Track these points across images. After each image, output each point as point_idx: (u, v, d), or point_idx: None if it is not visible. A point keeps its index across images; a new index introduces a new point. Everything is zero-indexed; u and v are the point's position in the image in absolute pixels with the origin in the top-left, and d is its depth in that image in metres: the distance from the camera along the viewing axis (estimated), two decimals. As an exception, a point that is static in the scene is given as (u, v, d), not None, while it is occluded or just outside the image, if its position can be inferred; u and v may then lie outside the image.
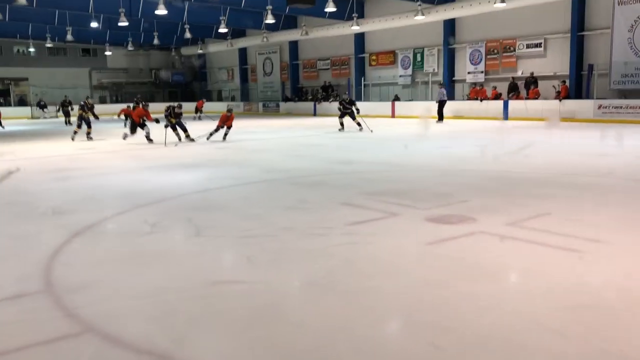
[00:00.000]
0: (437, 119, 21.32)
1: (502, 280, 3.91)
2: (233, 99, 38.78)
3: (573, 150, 11.42)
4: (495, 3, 19.45)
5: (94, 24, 26.85)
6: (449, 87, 25.79)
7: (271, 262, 4.33)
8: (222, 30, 28.54)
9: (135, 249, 4.81)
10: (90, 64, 40.24)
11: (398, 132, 17.35)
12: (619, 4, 19.99)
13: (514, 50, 23.43)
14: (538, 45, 22.71)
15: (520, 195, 6.66)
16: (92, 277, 4.06)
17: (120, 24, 23.85)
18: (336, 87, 31.31)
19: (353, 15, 24.95)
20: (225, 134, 14.91)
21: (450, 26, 25.38)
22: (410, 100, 27.26)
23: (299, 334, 3.08)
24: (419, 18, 22.42)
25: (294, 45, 34.01)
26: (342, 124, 17.71)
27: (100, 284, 3.90)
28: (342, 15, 26.59)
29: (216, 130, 14.80)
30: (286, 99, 34.11)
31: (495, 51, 24.09)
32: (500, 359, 2.74)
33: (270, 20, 24.54)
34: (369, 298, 3.55)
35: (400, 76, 28.17)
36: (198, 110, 28.56)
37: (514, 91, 22.66)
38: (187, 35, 29.72)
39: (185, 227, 5.50)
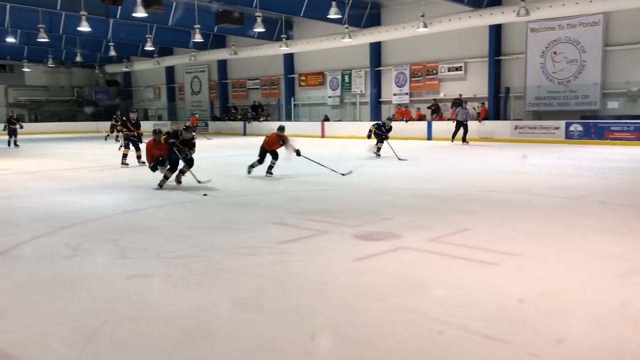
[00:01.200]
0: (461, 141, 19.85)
1: (425, 292, 4.05)
2: (160, 118, 38.05)
3: (492, 169, 12.01)
4: (418, 28, 20.24)
5: (10, 39, 25.63)
6: (376, 108, 26.52)
7: (199, 283, 4.28)
8: (149, 48, 28.02)
9: (56, 273, 4.62)
10: (6, 81, 38.28)
11: (331, 152, 17.59)
12: (531, 32, 21.34)
13: (437, 73, 24.43)
14: (459, 68, 23.79)
15: (443, 212, 6.93)
16: (8, 303, 3.86)
17: (39, 39, 22.90)
18: (266, 107, 31.40)
19: (282, 36, 25.22)
20: (271, 167, 10.83)
21: (376, 49, 26.16)
22: (339, 120, 27.76)
23: (228, 354, 3.07)
24: (347, 40, 22.97)
25: (223, 65, 33.88)
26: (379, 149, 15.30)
27: (16, 311, 3.71)
28: (271, 35, 26.83)
29: (260, 161, 10.94)
30: (215, 118, 33.84)
31: (419, 74, 25.02)
32: (423, 370, 2.85)
33: (198, 39, 24.33)
34: (298, 316, 3.58)
35: (330, 97, 28.66)
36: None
37: (436, 112, 23.66)
38: (112, 52, 28.94)
39: (109, 250, 5.33)
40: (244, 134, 29.96)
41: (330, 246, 5.33)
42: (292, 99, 29.85)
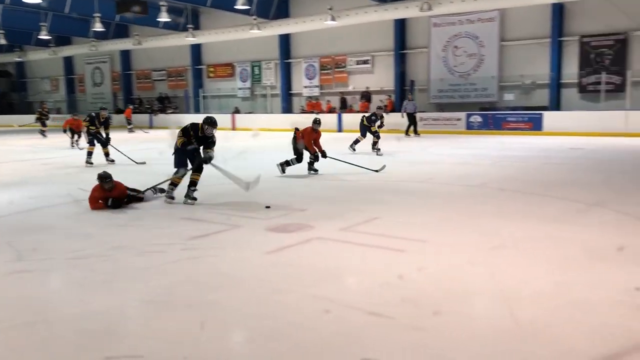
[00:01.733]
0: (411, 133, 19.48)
1: (337, 281, 4.11)
2: (58, 111, 35.90)
3: (398, 160, 12.38)
4: (326, 21, 20.44)
5: None
6: (287, 101, 26.57)
7: (104, 284, 4.09)
8: (44, 37, 26.31)
9: (-59, 280, 4.24)
10: None
11: (239, 145, 17.38)
12: (434, 26, 22.17)
13: (345, 66, 24.81)
14: (366, 62, 24.30)
15: (354, 202, 7.07)
16: None
17: None
18: (173, 99, 30.51)
19: (188, 26, 24.56)
20: (312, 162, 10.01)
21: (285, 41, 26.14)
22: (250, 112, 27.51)
23: (137, 355, 2.96)
24: (255, 32, 22.76)
25: (126, 55, 32.48)
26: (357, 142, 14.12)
27: None
28: (177, 25, 26.01)
29: (298, 159, 9.99)
30: (119, 111, 32.42)
31: (329, 67, 25.30)
32: (342, 355, 2.89)
33: (98, 28, 23.17)
34: (211, 311, 3.52)
35: (240, 89, 28.32)
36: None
37: (344, 106, 24.08)
38: (2, 41, 26.87)
39: (4, 252, 4.97)
40: (150, 126, 28.95)
41: (243, 240, 5.28)
42: (201, 90, 29.18)
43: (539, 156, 12.31)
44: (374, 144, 13.59)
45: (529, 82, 20.34)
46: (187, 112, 29.18)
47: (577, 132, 17.03)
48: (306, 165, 10.02)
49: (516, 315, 3.34)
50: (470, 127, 20.03)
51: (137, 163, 11.74)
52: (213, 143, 7.20)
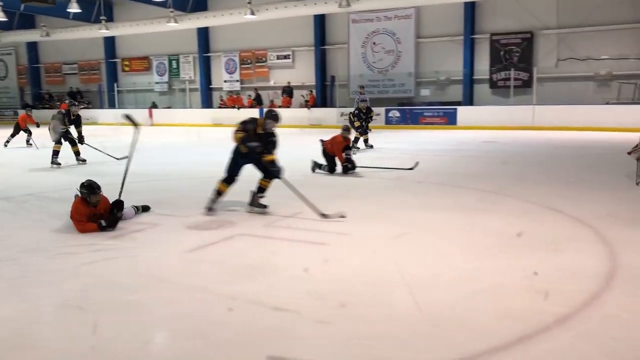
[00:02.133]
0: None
1: (260, 277, 4.09)
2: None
3: (319, 154, 12.45)
4: (245, 15, 20.24)
5: None
6: (207, 95, 26.12)
7: (13, 289, 3.85)
8: (-62, 26, 24.37)
9: None
10: None
11: (160, 141, 16.89)
12: (353, 22, 22.51)
13: (266, 60, 24.70)
14: (287, 57, 24.30)
15: (279, 196, 7.03)
16: None
17: None
18: (86, 94, 29.19)
19: (101, 18, 23.52)
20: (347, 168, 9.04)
21: (204, 34, 25.66)
22: (168, 107, 26.81)
23: (48, 363, 2.81)
24: (172, 25, 22.16)
25: (33, 47, 30.70)
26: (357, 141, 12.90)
27: None
28: (88, 17, 24.86)
29: (331, 169, 9.20)
30: (26, 106, 30.53)
31: (249, 61, 25.08)
32: (257, 351, 2.87)
33: (1, 17, 21.72)
34: (128, 313, 3.40)
35: (157, 83, 27.52)
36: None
37: (259, 101, 23.90)
38: None
39: None
40: (62, 123, 27.53)
41: (161, 239, 5.14)
42: (115, 84, 28.08)
43: (455, 149, 12.82)
44: (356, 140, 12.77)
45: (443, 78, 21.11)
46: (101, 107, 28.03)
47: (489, 126, 17.89)
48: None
49: (430, 303, 3.47)
50: (389, 122, 20.53)
51: (117, 159, 10.74)
52: (273, 144, 6.13)
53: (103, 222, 5.29)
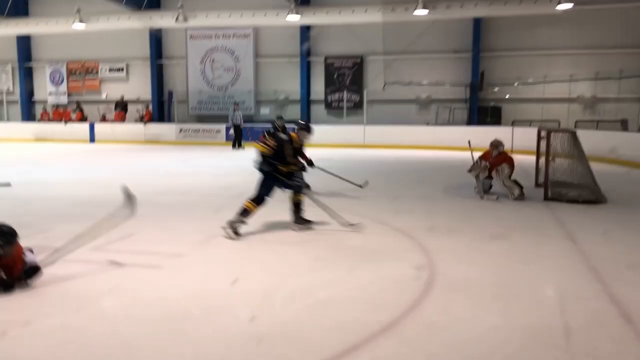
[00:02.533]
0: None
1: (86, 306, 3.81)
2: None
3: (159, 172, 12.06)
4: (73, 24, 18.93)
5: None
6: (28, 108, 23.91)
7: None
8: None
9: None
10: None
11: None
12: (190, 38, 22.19)
13: (98, 72, 23.31)
14: (121, 69, 23.17)
15: (83, 217, 6.63)
16: None
17: None
18: None
19: None
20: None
21: (25, 43, 23.51)
22: (-20, 121, 24.03)
23: None
24: (-15, 30, 20.00)
25: None
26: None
27: None
28: None
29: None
30: None
31: (78, 72, 23.47)
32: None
33: None
34: None
35: (-34, 93, 24.52)
36: None
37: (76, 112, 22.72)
38: None
39: None
40: None
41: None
42: None
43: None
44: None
45: (282, 97, 21.66)
46: None
47: (325, 144, 18.67)
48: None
49: (264, 320, 3.51)
50: (229, 138, 20.46)
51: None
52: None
53: (24, 274, 4.11)
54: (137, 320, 3.50)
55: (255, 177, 6.26)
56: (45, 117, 23.03)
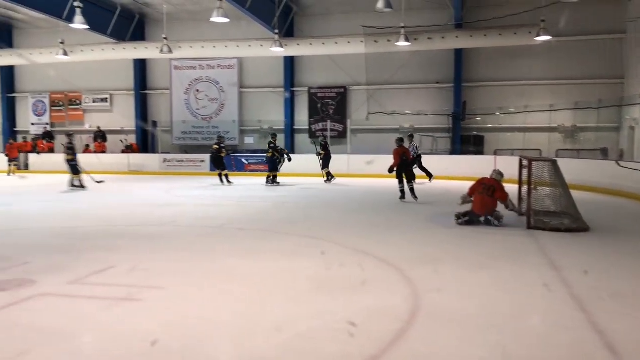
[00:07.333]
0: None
1: (64, 342, 3.70)
2: None
3: (140, 202, 11.94)
4: (57, 55, 18.94)
5: None
6: (9, 138, 23.69)
7: None
8: None
9: None
10: None
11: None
12: (175, 69, 22.31)
13: (81, 103, 23.25)
14: (105, 100, 23.16)
15: (85, 251, 6.52)
16: None
17: None
18: None
19: None
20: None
21: (8, 73, 23.46)
22: (-40, 151, 23.72)
23: None
24: (-32, 61, 19.93)
25: None
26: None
27: None
28: None
29: None
30: None
31: (61, 103, 23.40)
32: None
33: None
34: None
35: (-53, 124, 24.29)
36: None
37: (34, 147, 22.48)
38: None
39: None
40: None
41: (-59, 304, 4.42)
42: None
43: (278, 196, 13.14)
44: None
45: (266, 127, 21.74)
46: None
47: (308, 173, 18.70)
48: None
49: (245, 353, 3.43)
50: (214, 168, 20.40)
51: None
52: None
53: None
54: (116, 357, 3.39)
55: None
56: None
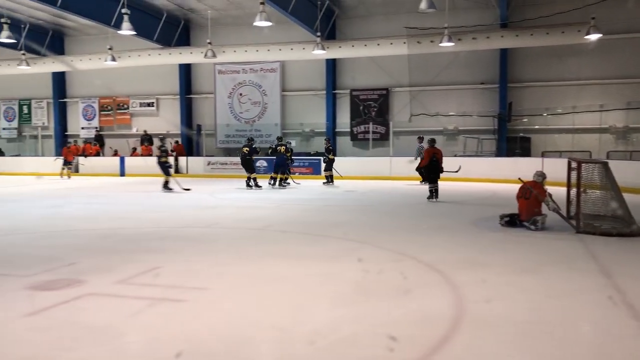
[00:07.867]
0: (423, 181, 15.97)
1: (110, 341, 3.78)
2: None
3: (184, 205, 12.14)
4: (106, 61, 19.51)
5: None
6: (62, 143, 24.53)
7: None
8: None
9: None
10: None
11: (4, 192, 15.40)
12: (219, 73, 22.64)
13: (128, 107, 23.87)
14: (151, 104, 23.71)
15: (132, 252, 6.67)
16: None
17: None
18: None
19: (-61, 56, 21.39)
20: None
21: (60, 79, 24.32)
22: (17, 155, 24.71)
23: None
24: (24, 68, 20.72)
25: None
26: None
27: None
28: None
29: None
30: None
31: (110, 107, 24.08)
32: None
33: None
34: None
35: (4, 129, 25.36)
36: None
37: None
38: None
39: None
40: None
41: (-4, 302, 4.59)
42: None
43: (319, 199, 13.15)
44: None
45: (308, 130, 21.81)
46: None
47: (351, 176, 18.65)
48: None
49: (290, 356, 3.42)
50: (257, 171, 20.59)
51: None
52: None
53: None
54: (160, 356, 3.44)
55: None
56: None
